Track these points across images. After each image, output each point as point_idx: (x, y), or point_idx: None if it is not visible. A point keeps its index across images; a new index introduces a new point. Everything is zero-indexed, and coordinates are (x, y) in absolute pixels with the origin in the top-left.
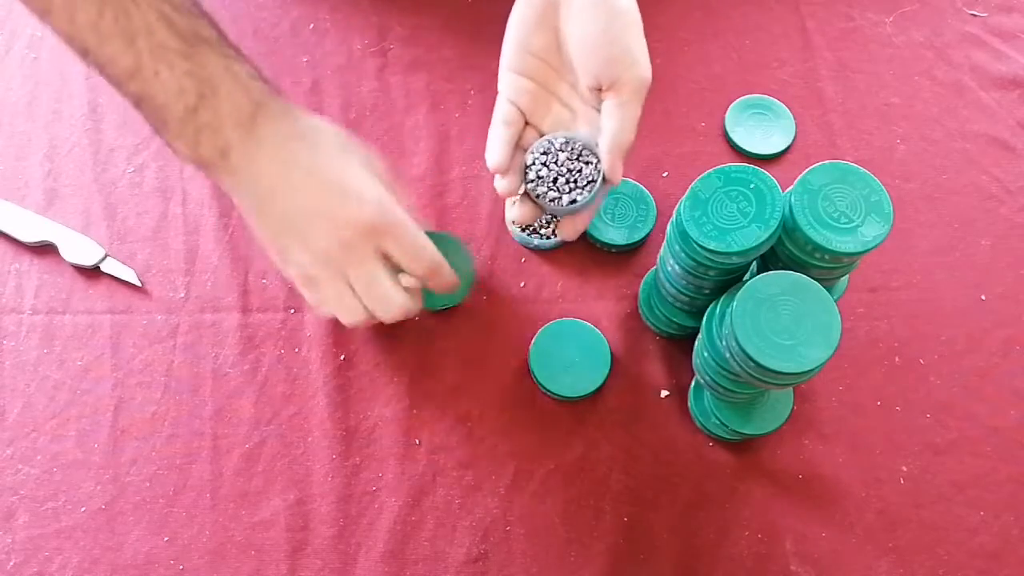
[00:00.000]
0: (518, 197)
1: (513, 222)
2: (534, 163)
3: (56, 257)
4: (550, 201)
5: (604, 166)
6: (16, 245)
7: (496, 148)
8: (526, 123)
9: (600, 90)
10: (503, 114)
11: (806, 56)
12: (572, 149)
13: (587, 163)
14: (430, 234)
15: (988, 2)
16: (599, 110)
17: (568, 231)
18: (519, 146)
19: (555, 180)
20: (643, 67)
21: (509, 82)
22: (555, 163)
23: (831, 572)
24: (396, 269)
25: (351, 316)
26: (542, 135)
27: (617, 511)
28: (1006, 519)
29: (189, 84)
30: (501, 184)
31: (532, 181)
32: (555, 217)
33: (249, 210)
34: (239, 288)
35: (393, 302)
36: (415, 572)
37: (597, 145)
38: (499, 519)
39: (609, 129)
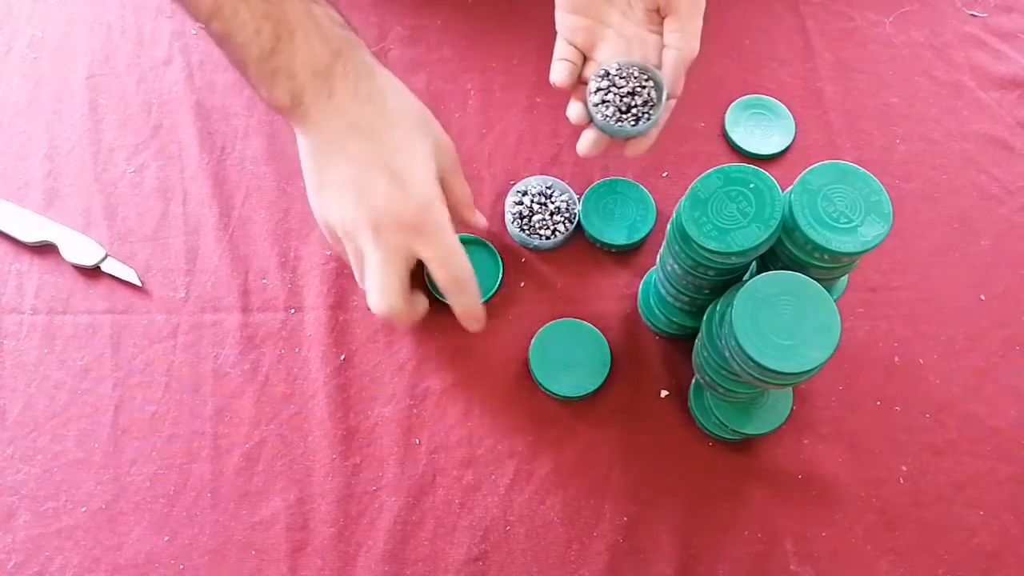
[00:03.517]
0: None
1: (513, 210)
2: (596, 92)
3: (56, 257)
4: (616, 125)
5: (668, 80)
6: (16, 245)
7: (558, 70)
8: (586, 59)
9: (657, 11)
10: (560, 52)
11: (806, 56)
12: (629, 74)
13: (643, 86)
14: (460, 237)
15: (988, 2)
16: (653, 32)
17: (637, 150)
18: (581, 80)
19: (618, 107)
20: None
21: (562, 22)
22: (615, 89)
23: (831, 572)
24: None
25: (360, 282)
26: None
27: (617, 511)
28: (1005, 519)
29: (266, 26)
30: (572, 112)
31: (596, 108)
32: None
33: (305, 157)
34: (239, 288)
35: (386, 301)
36: (415, 572)
37: (652, 67)
38: (499, 519)
39: (673, 44)
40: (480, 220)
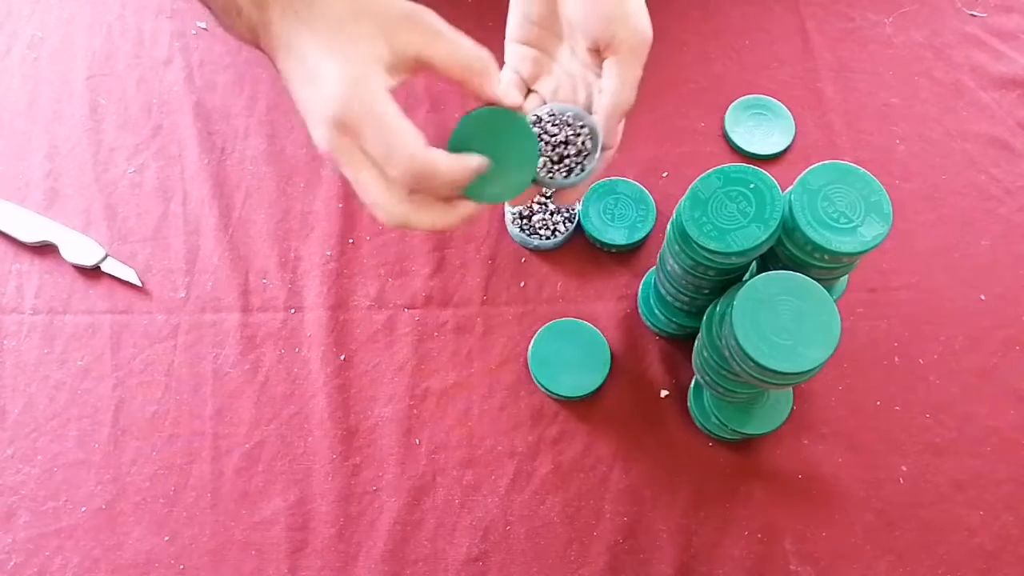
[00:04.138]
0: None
1: (513, 210)
2: None
3: (57, 257)
4: (548, 176)
5: (601, 130)
6: (17, 245)
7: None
8: (529, 90)
9: (599, 52)
10: (504, 82)
11: (806, 56)
12: (562, 121)
13: (578, 134)
14: (481, 111)
15: (988, 2)
16: (598, 75)
17: (566, 200)
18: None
19: (549, 157)
20: (641, 24)
21: (512, 52)
22: (546, 137)
23: (831, 572)
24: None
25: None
26: (545, 102)
27: (617, 511)
28: (1005, 519)
29: None
30: None
31: None
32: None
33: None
34: (239, 288)
35: (383, 212)
36: (415, 572)
37: (588, 114)
38: (499, 519)
39: (607, 90)
40: (502, 91)
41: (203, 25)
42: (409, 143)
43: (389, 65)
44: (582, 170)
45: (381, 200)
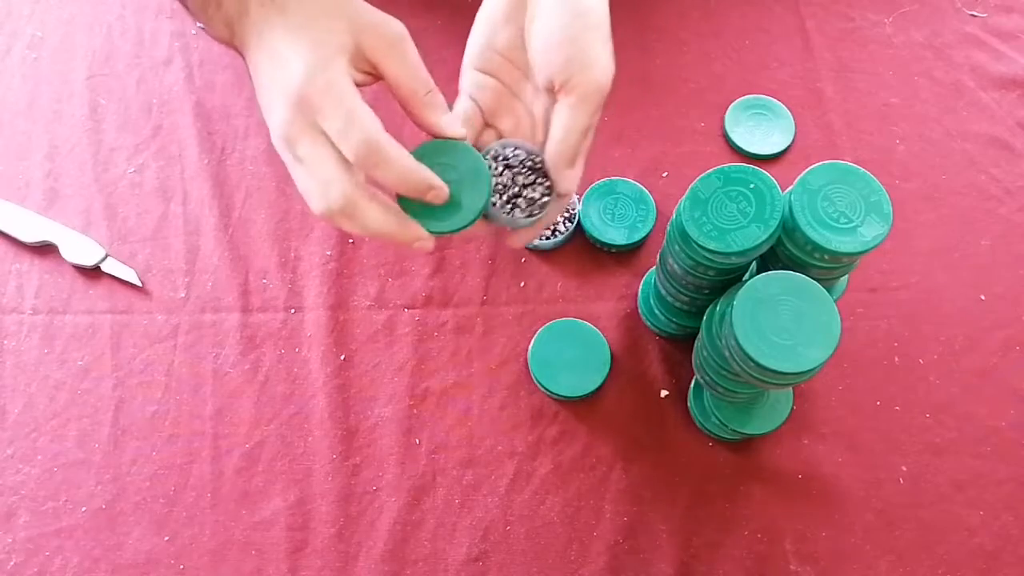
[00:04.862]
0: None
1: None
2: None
3: (57, 257)
4: (503, 214)
5: (551, 176)
6: (17, 245)
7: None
8: (485, 124)
9: (554, 91)
10: (462, 112)
11: (806, 56)
12: (520, 162)
13: (534, 173)
14: (430, 144)
15: (988, 2)
16: None
17: (516, 241)
18: (476, 146)
19: (504, 196)
20: (598, 71)
21: (471, 79)
22: (506, 175)
23: (831, 572)
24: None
25: (305, 196)
26: (500, 138)
27: (617, 511)
28: (1005, 519)
29: None
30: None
31: None
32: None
33: (255, 86)
34: (239, 288)
35: (336, 185)
36: (415, 572)
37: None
38: (499, 519)
39: (552, 136)
40: (446, 123)
41: (203, 26)
42: (367, 120)
43: (353, 60)
44: (531, 214)
45: (335, 176)
